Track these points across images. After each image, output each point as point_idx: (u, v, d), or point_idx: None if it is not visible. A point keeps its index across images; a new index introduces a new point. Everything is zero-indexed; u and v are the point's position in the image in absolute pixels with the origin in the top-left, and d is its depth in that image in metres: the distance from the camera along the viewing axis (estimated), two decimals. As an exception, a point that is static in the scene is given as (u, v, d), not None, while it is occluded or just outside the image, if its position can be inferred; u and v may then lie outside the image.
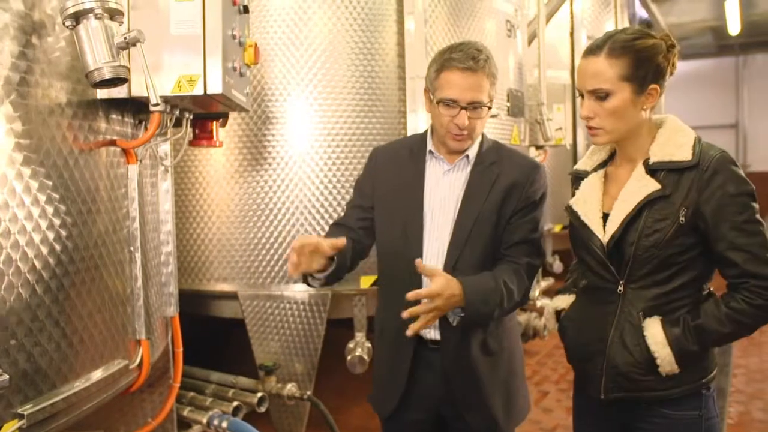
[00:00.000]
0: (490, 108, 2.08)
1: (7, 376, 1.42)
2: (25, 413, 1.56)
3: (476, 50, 2.06)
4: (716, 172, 1.69)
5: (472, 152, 2.14)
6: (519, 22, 4.33)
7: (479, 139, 2.17)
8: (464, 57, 2.02)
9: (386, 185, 2.19)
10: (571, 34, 6.52)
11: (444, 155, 2.15)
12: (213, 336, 4.34)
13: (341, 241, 1.92)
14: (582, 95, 1.82)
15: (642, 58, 1.74)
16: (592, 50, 1.78)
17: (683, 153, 1.74)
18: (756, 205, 1.71)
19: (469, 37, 3.75)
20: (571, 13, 6.48)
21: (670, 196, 1.73)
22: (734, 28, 9.98)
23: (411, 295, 1.88)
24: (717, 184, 1.69)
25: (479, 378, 2.11)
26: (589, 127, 1.83)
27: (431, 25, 3.55)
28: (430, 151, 2.16)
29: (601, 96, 1.76)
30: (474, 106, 2.03)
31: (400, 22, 3.50)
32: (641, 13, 8.42)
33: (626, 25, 7.47)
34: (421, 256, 2.09)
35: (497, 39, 3.98)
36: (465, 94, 2.01)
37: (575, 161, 6.46)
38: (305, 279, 2.07)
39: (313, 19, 3.36)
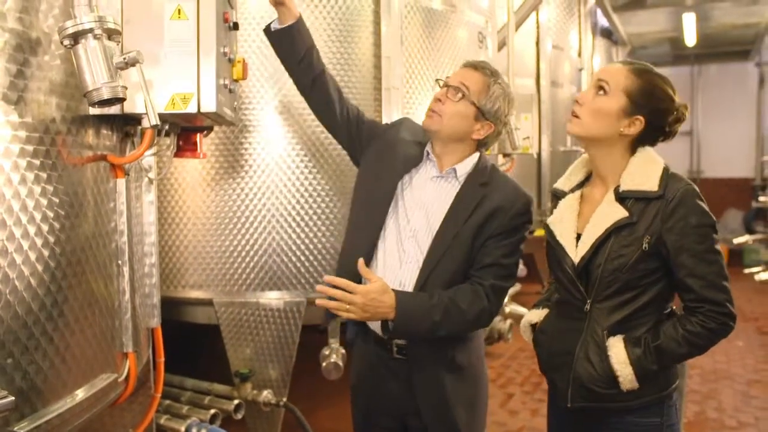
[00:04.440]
0: (473, 104, 2.13)
1: (12, 398, 1.43)
2: (22, 431, 1.57)
3: (482, 60, 2.29)
4: (680, 204, 1.81)
5: (463, 168, 2.18)
6: (489, 32, 4.43)
7: (475, 157, 2.21)
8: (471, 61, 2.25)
9: (389, 151, 2.27)
10: (537, 42, 6.67)
11: (437, 161, 2.20)
12: (179, 339, 4.32)
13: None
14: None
15: (651, 91, 1.88)
16: (627, 61, 1.96)
17: (650, 183, 1.85)
18: (716, 236, 1.84)
19: (443, 48, 3.83)
20: (537, 22, 6.63)
21: (636, 224, 1.84)
22: (690, 39, 10.33)
23: (327, 278, 1.95)
24: (680, 215, 1.80)
25: (444, 392, 2.15)
26: (573, 112, 1.95)
27: (406, 37, 3.61)
28: (427, 152, 2.22)
29: (600, 90, 1.90)
30: (448, 84, 2.15)
31: (377, 33, 3.56)
32: (603, 22, 8.64)
33: (588, 33, 7.68)
34: (376, 242, 2.17)
35: (469, 49, 4.07)
36: (455, 76, 2.17)
37: (539, 169, 6.63)
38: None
39: (292, 28, 3.38)
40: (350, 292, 1.94)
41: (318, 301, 1.97)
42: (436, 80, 2.21)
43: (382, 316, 1.98)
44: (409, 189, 2.20)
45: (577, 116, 1.93)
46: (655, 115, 1.88)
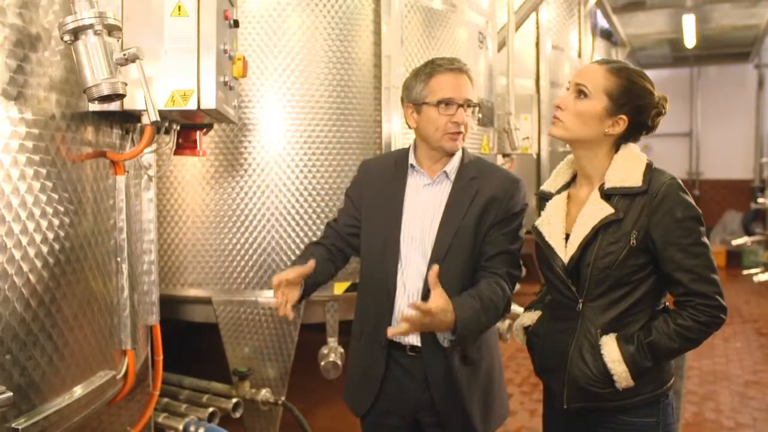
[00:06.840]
0: (478, 107, 2.20)
1: (11, 393, 1.42)
2: (20, 427, 1.56)
3: (454, 58, 2.21)
4: (665, 198, 1.81)
5: (451, 167, 2.21)
6: (489, 33, 4.44)
7: (459, 154, 2.24)
8: (448, 62, 2.17)
9: (371, 195, 2.28)
10: (537, 43, 6.67)
11: (425, 169, 2.22)
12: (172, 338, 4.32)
13: (308, 268, 2.02)
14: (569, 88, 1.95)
15: (630, 88, 1.87)
16: (602, 61, 1.94)
17: (634, 179, 1.85)
18: (702, 229, 1.83)
19: (443, 48, 3.83)
20: (537, 22, 6.64)
21: (623, 220, 1.84)
22: (690, 41, 10.32)
23: (412, 305, 1.91)
24: (665, 209, 1.80)
25: (459, 387, 2.17)
26: (554, 117, 1.95)
27: (406, 36, 3.61)
28: (412, 165, 2.23)
29: (580, 94, 1.89)
30: (468, 103, 2.15)
31: (377, 32, 3.56)
32: (602, 23, 8.65)
33: (588, 34, 7.69)
34: (396, 265, 2.16)
35: (469, 49, 4.07)
36: (460, 92, 2.14)
37: (539, 169, 6.63)
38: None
39: (292, 27, 3.38)
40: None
41: (394, 332, 1.93)
42: None
43: (441, 328, 1.99)
44: (406, 204, 2.22)
45: (559, 119, 1.93)
46: (637, 112, 1.88)
